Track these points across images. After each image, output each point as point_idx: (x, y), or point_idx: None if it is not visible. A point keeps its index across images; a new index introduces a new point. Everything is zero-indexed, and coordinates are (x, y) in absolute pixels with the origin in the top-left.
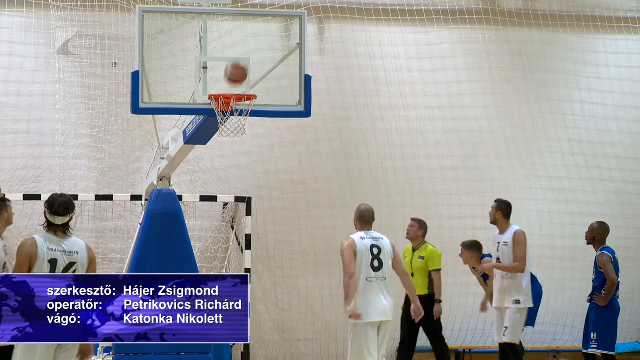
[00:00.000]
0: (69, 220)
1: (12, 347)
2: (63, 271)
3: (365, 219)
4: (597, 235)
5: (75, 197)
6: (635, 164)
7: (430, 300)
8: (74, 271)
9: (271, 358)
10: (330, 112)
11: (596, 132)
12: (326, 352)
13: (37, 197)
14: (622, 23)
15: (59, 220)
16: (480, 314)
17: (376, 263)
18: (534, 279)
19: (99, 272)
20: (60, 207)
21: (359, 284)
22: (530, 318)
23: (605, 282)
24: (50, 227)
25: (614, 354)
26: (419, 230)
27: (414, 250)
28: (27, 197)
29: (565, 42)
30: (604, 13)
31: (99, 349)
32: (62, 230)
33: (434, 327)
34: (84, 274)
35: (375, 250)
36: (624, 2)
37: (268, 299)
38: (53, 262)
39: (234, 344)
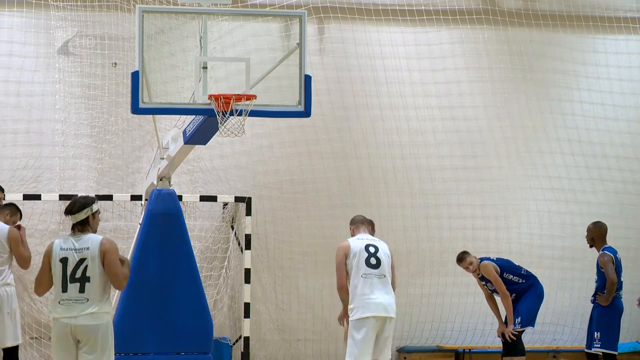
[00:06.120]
0: (86, 218)
1: (17, 347)
2: (74, 268)
3: (357, 221)
4: (595, 235)
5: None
6: (635, 164)
7: None
8: (85, 267)
9: (271, 358)
10: (330, 112)
11: (596, 132)
12: (326, 352)
13: (37, 197)
14: (622, 23)
15: (72, 219)
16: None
17: (373, 261)
18: (535, 280)
19: None
20: (72, 205)
21: (355, 281)
22: (531, 318)
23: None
24: (72, 227)
25: (615, 353)
26: None
27: None
28: (27, 197)
29: (565, 42)
30: (604, 13)
31: None
32: (79, 230)
33: None
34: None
35: (372, 249)
36: (624, 2)
37: (268, 299)
38: (64, 261)
39: (233, 344)
